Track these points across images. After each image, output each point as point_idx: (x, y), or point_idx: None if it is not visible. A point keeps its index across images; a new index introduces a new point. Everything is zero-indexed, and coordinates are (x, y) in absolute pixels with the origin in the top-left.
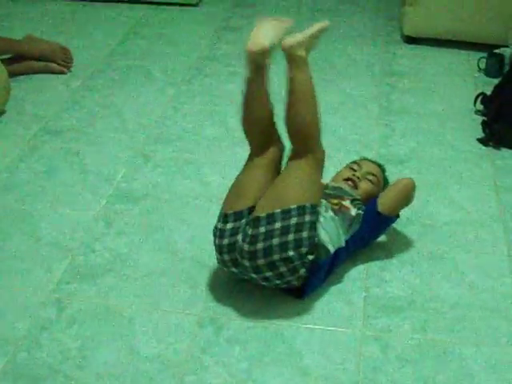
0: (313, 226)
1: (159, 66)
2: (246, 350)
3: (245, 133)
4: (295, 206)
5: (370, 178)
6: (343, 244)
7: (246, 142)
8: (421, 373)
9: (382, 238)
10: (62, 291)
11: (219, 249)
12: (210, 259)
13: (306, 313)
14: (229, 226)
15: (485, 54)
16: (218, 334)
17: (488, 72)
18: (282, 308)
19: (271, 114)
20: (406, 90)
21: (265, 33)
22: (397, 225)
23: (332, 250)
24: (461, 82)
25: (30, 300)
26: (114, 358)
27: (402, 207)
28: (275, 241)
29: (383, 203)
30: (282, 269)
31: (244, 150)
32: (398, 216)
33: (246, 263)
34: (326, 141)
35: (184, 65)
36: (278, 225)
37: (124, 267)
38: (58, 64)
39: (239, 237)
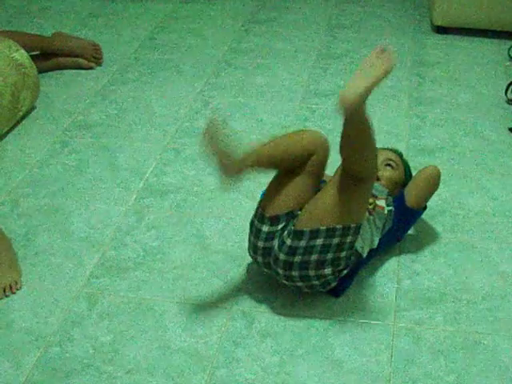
0: (352, 244)
1: (188, 59)
2: (277, 344)
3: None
4: (341, 226)
5: (389, 162)
6: (375, 245)
7: (276, 135)
8: (453, 364)
9: (412, 230)
10: (93, 285)
11: (254, 248)
12: (241, 252)
13: (337, 305)
14: (265, 228)
15: None
16: (250, 328)
17: None
18: (314, 301)
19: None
20: (436, 80)
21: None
22: (428, 216)
23: (365, 254)
24: (492, 72)
25: (62, 294)
26: (145, 352)
27: (430, 197)
28: (313, 257)
29: (410, 196)
30: (315, 282)
31: None
32: (425, 207)
33: (280, 271)
34: None
35: (212, 58)
36: (319, 241)
37: (155, 261)
38: (88, 60)
39: (275, 242)
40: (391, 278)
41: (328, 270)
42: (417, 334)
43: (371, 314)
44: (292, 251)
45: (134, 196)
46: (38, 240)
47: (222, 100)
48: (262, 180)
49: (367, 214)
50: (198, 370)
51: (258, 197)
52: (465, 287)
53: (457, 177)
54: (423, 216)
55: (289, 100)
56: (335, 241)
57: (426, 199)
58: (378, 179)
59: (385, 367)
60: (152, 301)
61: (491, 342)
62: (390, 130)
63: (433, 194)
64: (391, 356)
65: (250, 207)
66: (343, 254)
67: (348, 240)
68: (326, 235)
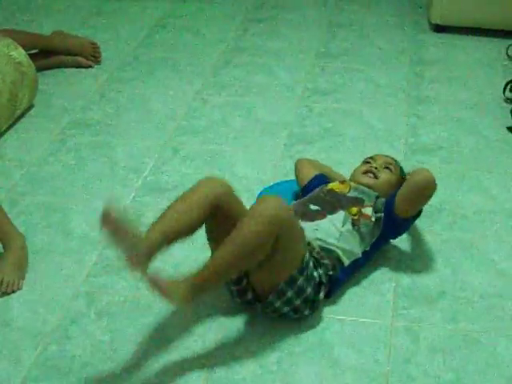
0: (309, 277)
1: (186, 58)
2: (276, 342)
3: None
4: (283, 282)
5: (388, 166)
6: (360, 255)
7: (275, 133)
8: (452, 363)
9: (411, 229)
10: (91, 284)
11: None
12: None
13: (336, 304)
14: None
15: None
16: (249, 326)
17: None
18: None
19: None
20: (434, 79)
21: None
22: (426, 214)
23: (347, 262)
24: (490, 70)
25: (60, 293)
26: (143, 350)
27: (422, 205)
28: (296, 302)
29: (399, 205)
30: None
31: (272, 141)
32: (420, 212)
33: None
34: (356, 131)
35: (211, 56)
36: (290, 293)
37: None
38: (87, 58)
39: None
40: (389, 276)
41: (305, 310)
42: (415, 332)
43: (369, 313)
44: (273, 309)
45: (133, 194)
46: (36, 238)
47: (221, 98)
48: (261, 176)
49: (350, 225)
50: (197, 368)
51: (257, 194)
52: (463, 286)
53: (455, 175)
54: (421, 214)
55: (287, 98)
56: (289, 293)
57: (417, 208)
58: (377, 178)
59: (383, 366)
60: (150, 299)
61: (489, 341)
62: (388, 128)
63: (425, 202)
64: (389, 354)
65: (248, 203)
66: (308, 290)
67: (300, 283)
68: (278, 296)
